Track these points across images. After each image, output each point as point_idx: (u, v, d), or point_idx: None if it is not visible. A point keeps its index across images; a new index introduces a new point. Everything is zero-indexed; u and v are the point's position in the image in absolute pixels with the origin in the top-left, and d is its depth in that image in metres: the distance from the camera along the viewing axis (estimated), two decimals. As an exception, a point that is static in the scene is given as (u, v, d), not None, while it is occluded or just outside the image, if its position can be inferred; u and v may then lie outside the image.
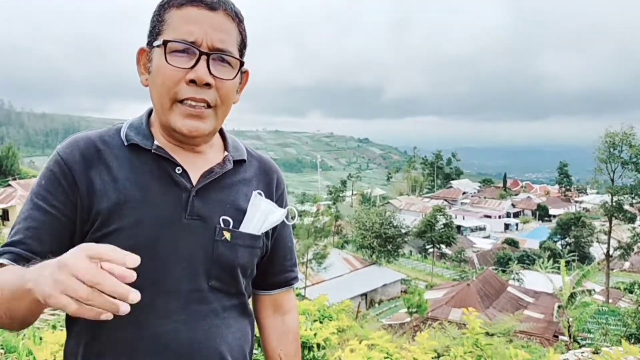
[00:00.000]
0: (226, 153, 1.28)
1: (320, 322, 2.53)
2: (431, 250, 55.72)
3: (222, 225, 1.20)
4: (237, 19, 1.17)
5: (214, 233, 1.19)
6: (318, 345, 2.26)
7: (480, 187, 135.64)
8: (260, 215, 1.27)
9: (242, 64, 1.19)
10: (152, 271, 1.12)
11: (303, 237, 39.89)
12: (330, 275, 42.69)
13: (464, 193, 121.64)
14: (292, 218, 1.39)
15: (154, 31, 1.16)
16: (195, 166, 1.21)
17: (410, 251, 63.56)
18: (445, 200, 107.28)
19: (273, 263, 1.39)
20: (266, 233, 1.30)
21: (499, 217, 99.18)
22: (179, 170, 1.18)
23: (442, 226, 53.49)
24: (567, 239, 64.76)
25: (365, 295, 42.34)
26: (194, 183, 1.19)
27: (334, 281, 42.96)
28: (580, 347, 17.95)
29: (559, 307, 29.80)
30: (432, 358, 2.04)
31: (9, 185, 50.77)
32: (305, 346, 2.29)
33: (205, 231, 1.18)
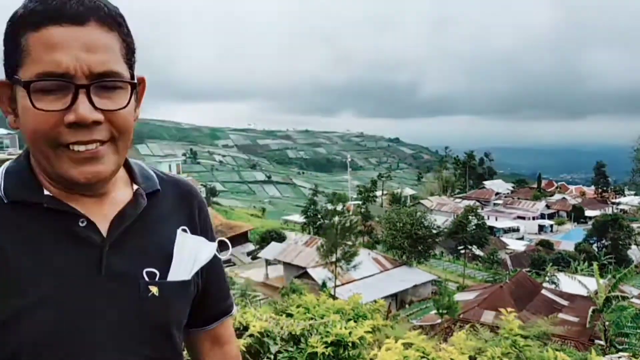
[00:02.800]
0: (136, 187, 1.05)
1: (355, 321, 2.60)
2: (463, 251, 55.15)
3: (147, 278, 1.00)
4: (115, 24, 0.91)
5: (138, 290, 0.99)
6: (353, 344, 2.34)
7: (513, 187, 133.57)
8: (189, 256, 1.08)
9: (133, 85, 0.94)
10: (74, 349, 0.93)
11: (331, 236, 39.99)
12: (360, 275, 42.64)
13: (497, 194, 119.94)
14: (222, 250, 1.20)
15: (11, 61, 0.89)
16: (102, 213, 0.99)
17: (442, 252, 62.97)
18: (478, 200, 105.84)
19: (207, 297, 1.18)
20: (196, 272, 1.12)
21: (533, 218, 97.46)
22: (82, 222, 0.95)
23: (474, 227, 52.83)
24: (603, 241, 63.31)
25: (395, 295, 42.17)
26: (105, 234, 0.97)
27: (363, 281, 42.91)
28: (617, 351, 17.54)
29: (594, 310, 29.13)
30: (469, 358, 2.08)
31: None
32: (340, 345, 2.36)
33: (128, 290, 0.98)
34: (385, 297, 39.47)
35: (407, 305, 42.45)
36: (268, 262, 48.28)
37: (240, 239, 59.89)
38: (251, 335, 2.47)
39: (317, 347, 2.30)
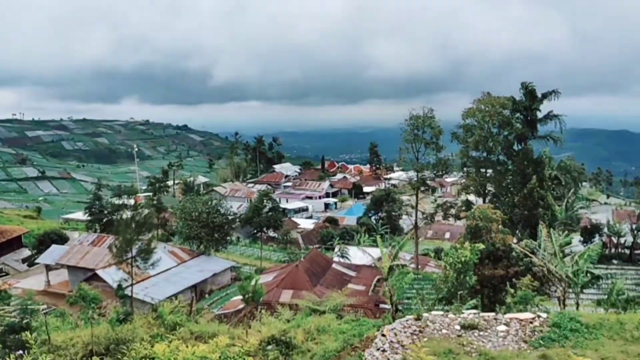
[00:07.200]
0: None
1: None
2: (259, 234, 56.42)
3: None
4: None
5: None
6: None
7: (301, 169, 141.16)
8: None
9: None
10: None
11: (123, 232, 37.35)
12: (156, 270, 40.77)
13: (286, 176, 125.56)
14: None
15: None
16: None
17: (238, 237, 63.64)
18: (269, 184, 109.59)
19: None
20: None
21: (320, 197, 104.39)
22: None
23: (268, 210, 54.41)
24: (380, 214, 70.31)
25: (195, 287, 41.37)
26: None
27: (161, 276, 41.17)
28: (397, 311, 19.61)
29: (379, 279, 32.29)
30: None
31: None
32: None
33: None
34: (184, 290, 38.55)
35: (207, 295, 41.97)
36: (49, 268, 43.54)
37: (12, 244, 52.64)
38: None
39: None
